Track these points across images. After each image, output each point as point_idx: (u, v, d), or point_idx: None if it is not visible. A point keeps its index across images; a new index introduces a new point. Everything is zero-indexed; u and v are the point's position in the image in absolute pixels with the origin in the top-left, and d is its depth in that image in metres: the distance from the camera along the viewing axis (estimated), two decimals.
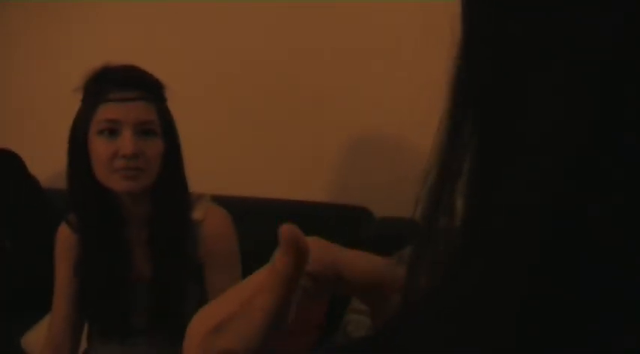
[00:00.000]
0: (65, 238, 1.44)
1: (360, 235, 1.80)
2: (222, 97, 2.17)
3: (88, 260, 1.39)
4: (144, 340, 1.40)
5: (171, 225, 1.37)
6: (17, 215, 1.98)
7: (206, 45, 2.18)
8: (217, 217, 1.41)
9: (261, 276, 0.39)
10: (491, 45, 0.26)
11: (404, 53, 1.86)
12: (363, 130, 2.01)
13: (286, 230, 0.37)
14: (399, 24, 1.87)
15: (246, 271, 1.44)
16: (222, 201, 1.48)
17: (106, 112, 1.31)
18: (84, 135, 1.33)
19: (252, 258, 1.50)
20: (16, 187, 2.02)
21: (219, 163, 2.11)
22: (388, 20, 1.91)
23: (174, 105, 1.42)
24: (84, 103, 1.36)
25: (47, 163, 2.02)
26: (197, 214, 1.40)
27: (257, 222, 1.94)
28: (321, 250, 0.41)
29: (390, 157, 1.95)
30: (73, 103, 1.40)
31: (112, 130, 1.31)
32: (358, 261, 0.43)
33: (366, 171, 1.99)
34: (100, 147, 1.31)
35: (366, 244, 1.77)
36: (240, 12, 2.12)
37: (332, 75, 2.02)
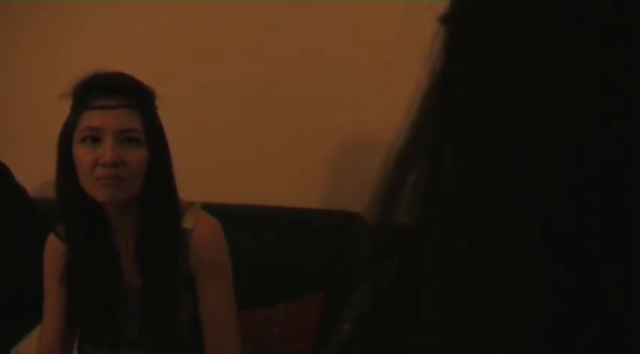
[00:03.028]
0: (54, 249, 1.43)
1: (351, 241, 1.80)
2: (212, 104, 2.16)
3: (76, 270, 1.38)
4: (135, 349, 1.39)
5: (158, 234, 1.35)
6: (4, 224, 1.97)
7: (204, 49, 2.17)
8: (207, 226, 1.40)
9: None
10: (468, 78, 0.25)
11: (398, 58, 1.85)
12: (355, 135, 2.01)
13: None
14: (395, 26, 1.87)
15: (237, 278, 1.43)
16: (214, 209, 1.47)
17: (89, 119, 1.31)
18: (69, 143, 1.33)
19: (243, 265, 1.50)
20: (3, 196, 2.00)
21: (209, 171, 2.11)
22: (384, 23, 1.91)
23: (164, 111, 1.41)
24: (71, 111, 1.36)
25: (34, 171, 2.00)
26: (187, 223, 1.39)
27: (249, 230, 1.94)
28: None
29: (382, 162, 1.94)
30: (60, 110, 1.39)
31: (95, 138, 1.30)
32: None
33: (358, 176, 1.98)
34: (82, 155, 1.30)
35: (358, 250, 1.76)
36: (235, 17, 2.12)
37: (324, 80, 2.02)
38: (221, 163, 2.14)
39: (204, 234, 1.39)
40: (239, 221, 1.76)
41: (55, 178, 1.38)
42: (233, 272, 1.42)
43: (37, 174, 2.03)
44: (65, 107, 1.39)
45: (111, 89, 1.31)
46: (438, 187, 0.26)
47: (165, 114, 1.41)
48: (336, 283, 1.78)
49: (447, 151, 0.26)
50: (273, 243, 1.95)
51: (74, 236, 1.37)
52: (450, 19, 0.27)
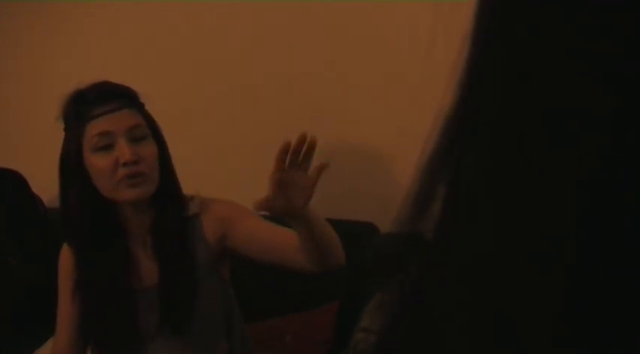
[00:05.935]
0: (68, 258, 1.44)
1: (366, 250, 1.79)
2: (224, 113, 2.16)
3: (94, 278, 1.39)
4: (154, 347, 1.39)
5: (175, 226, 1.39)
6: (21, 233, 1.99)
7: (212, 55, 2.17)
8: (215, 202, 1.46)
9: None
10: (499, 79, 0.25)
11: (411, 60, 1.85)
12: (368, 144, 2.00)
13: None
14: (409, 35, 1.87)
15: (251, 289, 1.43)
16: None
17: (96, 128, 1.34)
18: (77, 157, 1.36)
19: (256, 276, 1.50)
20: (19, 206, 2.02)
21: (221, 180, 2.10)
22: (398, 31, 1.90)
23: (167, 117, 1.44)
24: (69, 129, 1.38)
25: (49, 182, 2.02)
26: (192, 210, 1.43)
27: None
28: None
29: (395, 171, 1.93)
30: None
31: (107, 145, 1.33)
32: None
33: (372, 186, 1.98)
34: (99, 163, 1.33)
35: (373, 259, 1.75)
36: (245, 22, 2.13)
37: (336, 89, 2.02)
38: (232, 172, 2.14)
39: (211, 207, 1.44)
40: None
41: (60, 196, 1.40)
42: (248, 271, 1.45)
43: (52, 184, 2.04)
44: None
45: (105, 96, 1.35)
46: (458, 197, 0.26)
47: (177, 123, 1.43)
48: (350, 293, 1.77)
49: (467, 162, 0.26)
50: None
51: (89, 245, 1.39)
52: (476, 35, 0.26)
